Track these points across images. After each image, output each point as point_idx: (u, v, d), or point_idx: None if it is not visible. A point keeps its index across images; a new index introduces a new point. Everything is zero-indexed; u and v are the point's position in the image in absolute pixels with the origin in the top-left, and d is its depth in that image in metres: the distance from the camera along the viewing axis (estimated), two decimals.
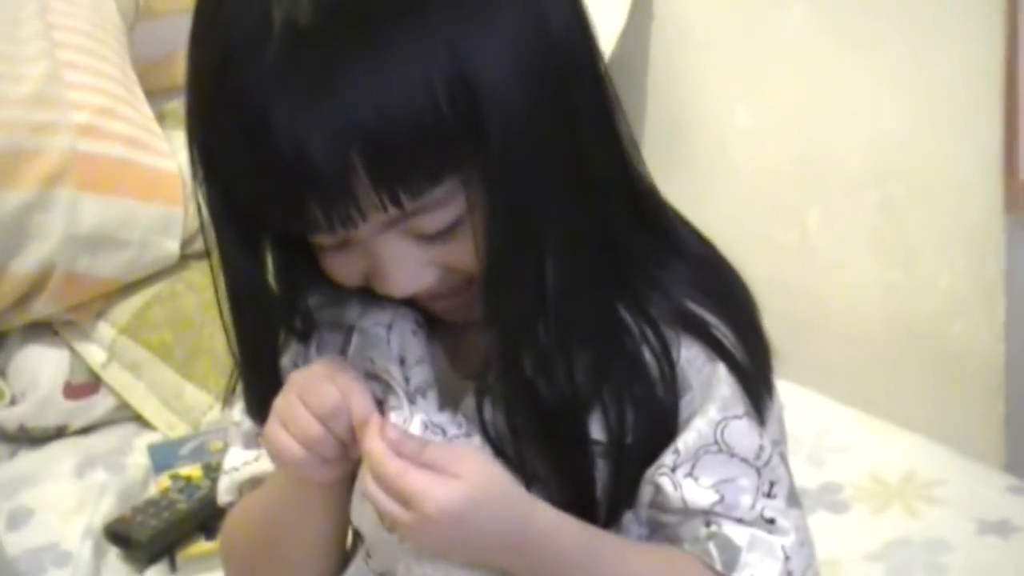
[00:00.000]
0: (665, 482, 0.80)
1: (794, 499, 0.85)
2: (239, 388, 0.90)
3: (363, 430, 0.77)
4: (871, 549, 1.27)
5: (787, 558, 0.81)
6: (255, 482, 0.92)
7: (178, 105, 1.90)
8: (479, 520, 0.76)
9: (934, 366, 1.62)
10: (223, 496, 0.94)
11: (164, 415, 1.63)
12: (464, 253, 0.77)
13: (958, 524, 1.30)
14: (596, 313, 0.79)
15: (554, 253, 0.76)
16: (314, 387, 0.79)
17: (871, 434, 1.46)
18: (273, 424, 0.81)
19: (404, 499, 0.75)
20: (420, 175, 0.72)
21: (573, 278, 0.77)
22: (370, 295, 0.82)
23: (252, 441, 0.92)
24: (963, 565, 1.23)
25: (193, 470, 1.46)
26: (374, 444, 0.76)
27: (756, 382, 0.82)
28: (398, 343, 0.83)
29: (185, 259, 1.71)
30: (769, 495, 0.82)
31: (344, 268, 0.80)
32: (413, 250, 0.76)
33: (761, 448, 0.82)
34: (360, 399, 0.79)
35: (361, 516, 0.81)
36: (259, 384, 0.86)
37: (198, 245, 1.70)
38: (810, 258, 1.76)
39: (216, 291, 0.86)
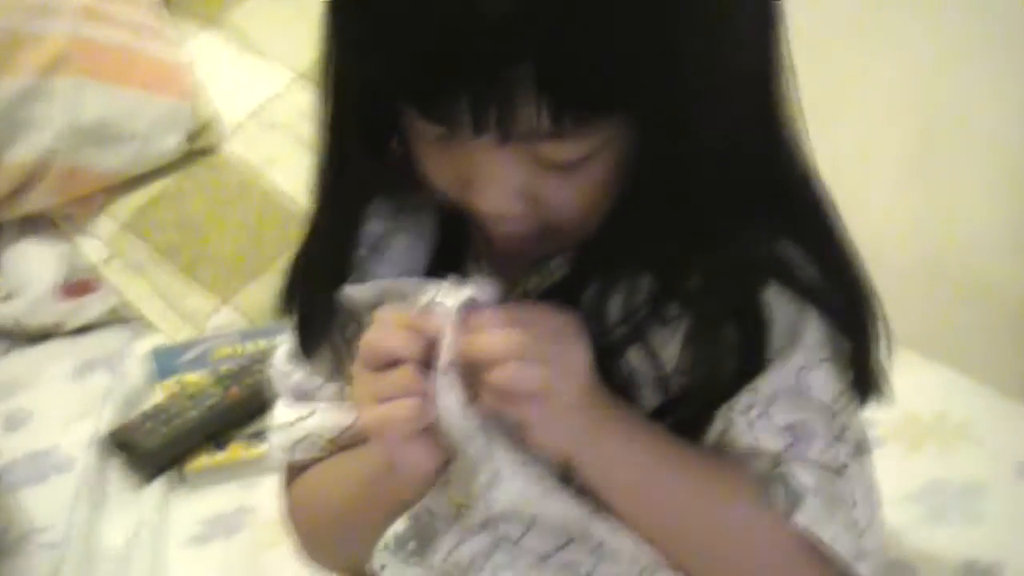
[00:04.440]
0: (740, 420, 0.76)
1: (864, 446, 0.81)
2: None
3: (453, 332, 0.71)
4: (909, 490, 1.23)
5: (854, 504, 0.78)
6: (312, 439, 0.87)
7: None
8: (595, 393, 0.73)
9: (965, 300, 1.57)
10: (278, 453, 0.89)
11: (168, 317, 1.57)
12: (571, 195, 0.71)
13: (995, 467, 1.26)
14: (721, 251, 0.73)
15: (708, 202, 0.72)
16: (383, 340, 0.73)
17: (902, 368, 1.42)
18: (364, 407, 0.74)
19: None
20: (589, 104, 0.66)
21: (712, 228, 0.72)
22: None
23: (304, 393, 0.88)
24: (1001, 510, 1.19)
25: (200, 376, 1.41)
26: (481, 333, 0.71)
27: (850, 329, 0.77)
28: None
29: (193, 155, 1.63)
30: (840, 439, 0.79)
31: (439, 168, 0.74)
32: (520, 174, 0.71)
33: (840, 394, 0.78)
34: (428, 316, 0.72)
35: (447, 406, 0.73)
36: (321, 307, 0.80)
37: (206, 141, 1.64)
38: (838, 187, 1.70)
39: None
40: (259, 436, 1.30)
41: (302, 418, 0.88)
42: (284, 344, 0.90)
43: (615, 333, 0.75)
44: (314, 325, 0.83)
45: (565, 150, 0.69)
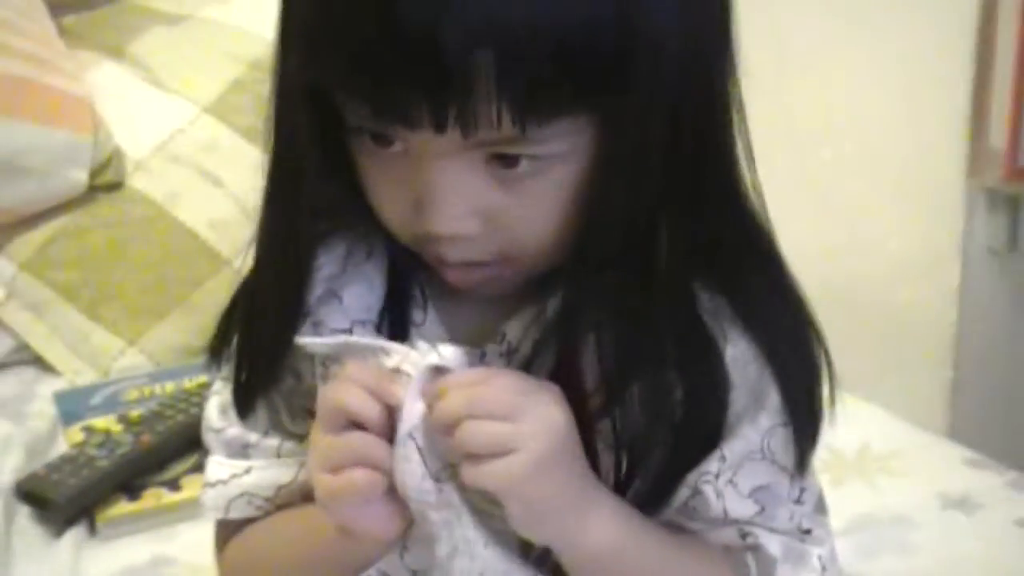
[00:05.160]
0: (708, 490, 0.75)
1: (822, 506, 0.81)
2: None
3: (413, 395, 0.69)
4: (836, 525, 1.22)
5: (823, 568, 0.78)
6: (247, 497, 0.83)
7: (77, 21, 1.77)
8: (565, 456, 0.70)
9: (877, 330, 1.59)
10: (211, 512, 0.85)
11: (69, 360, 1.51)
12: (526, 212, 0.69)
13: (920, 500, 1.27)
14: (677, 297, 0.71)
15: (668, 224, 0.69)
16: (345, 401, 0.70)
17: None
18: (321, 474, 0.71)
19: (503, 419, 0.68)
20: (551, 98, 0.64)
21: (676, 253, 0.70)
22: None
23: (237, 449, 0.84)
24: (931, 544, 1.20)
25: (108, 422, 1.35)
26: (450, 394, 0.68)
27: (801, 393, 0.76)
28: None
29: (94, 191, 1.58)
30: (798, 501, 0.78)
31: (391, 191, 0.71)
32: (475, 188, 0.68)
33: (799, 457, 0.77)
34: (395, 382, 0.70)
35: (405, 473, 0.70)
36: (268, 356, 0.77)
37: (108, 176, 1.58)
38: None
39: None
40: (173, 484, 1.26)
41: (236, 475, 0.84)
42: (215, 396, 0.86)
43: (594, 397, 0.72)
44: (258, 375, 0.79)
45: (525, 149, 0.66)
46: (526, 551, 0.75)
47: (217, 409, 0.85)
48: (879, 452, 1.34)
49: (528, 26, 0.62)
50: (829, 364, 0.78)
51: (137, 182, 1.61)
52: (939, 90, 1.46)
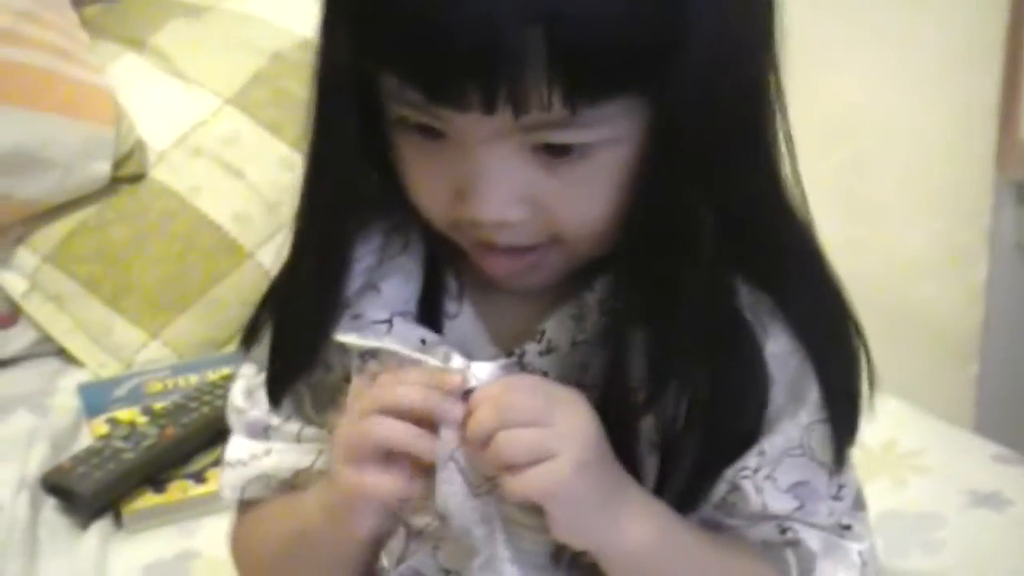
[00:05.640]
0: (747, 485, 0.74)
1: (860, 502, 0.81)
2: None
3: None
4: None
5: (864, 563, 0.77)
6: (265, 479, 0.83)
7: (99, 12, 1.76)
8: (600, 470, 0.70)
9: (902, 326, 1.58)
10: (228, 491, 0.85)
11: (93, 352, 1.51)
12: (574, 198, 0.68)
13: (948, 496, 1.26)
14: (718, 290, 0.71)
15: (708, 214, 0.68)
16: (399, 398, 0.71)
17: None
18: (347, 465, 0.72)
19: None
20: (602, 79, 0.63)
21: (716, 244, 0.69)
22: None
23: (259, 431, 0.84)
24: (960, 541, 1.19)
25: (133, 414, 1.35)
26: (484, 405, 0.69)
27: (841, 389, 0.76)
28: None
29: (116, 183, 1.57)
30: (837, 497, 0.77)
31: (432, 180, 0.70)
32: (522, 174, 0.67)
33: (839, 453, 0.77)
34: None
35: (448, 496, 0.71)
36: (303, 346, 0.76)
37: (130, 168, 1.58)
38: None
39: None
40: (198, 476, 1.25)
41: (256, 456, 0.84)
42: (241, 379, 0.86)
43: (636, 395, 0.72)
44: (292, 366, 0.79)
45: (574, 134, 0.66)
46: (557, 558, 0.75)
47: (242, 391, 0.85)
48: (906, 448, 1.33)
49: (581, 4, 0.61)
50: (869, 359, 0.77)
51: (159, 174, 1.60)
52: (967, 82, 1.44)
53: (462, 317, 0.78)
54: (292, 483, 0.83)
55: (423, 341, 0.75)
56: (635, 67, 0.64)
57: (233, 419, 0.86)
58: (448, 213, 0.71)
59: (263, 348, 0.81)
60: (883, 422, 1.36)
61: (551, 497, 0.68)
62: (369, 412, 0.71)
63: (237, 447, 0.84)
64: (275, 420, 0.83)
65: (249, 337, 0.83)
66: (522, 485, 0.67)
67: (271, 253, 1.59)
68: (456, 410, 0.69)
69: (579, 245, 0.71)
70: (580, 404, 0.70)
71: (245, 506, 0.86)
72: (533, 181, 0.67)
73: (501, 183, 0.67)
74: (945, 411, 1.48)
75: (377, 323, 0.76)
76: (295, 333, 0.78)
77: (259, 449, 0.83)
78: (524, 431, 0.67)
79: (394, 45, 0.64)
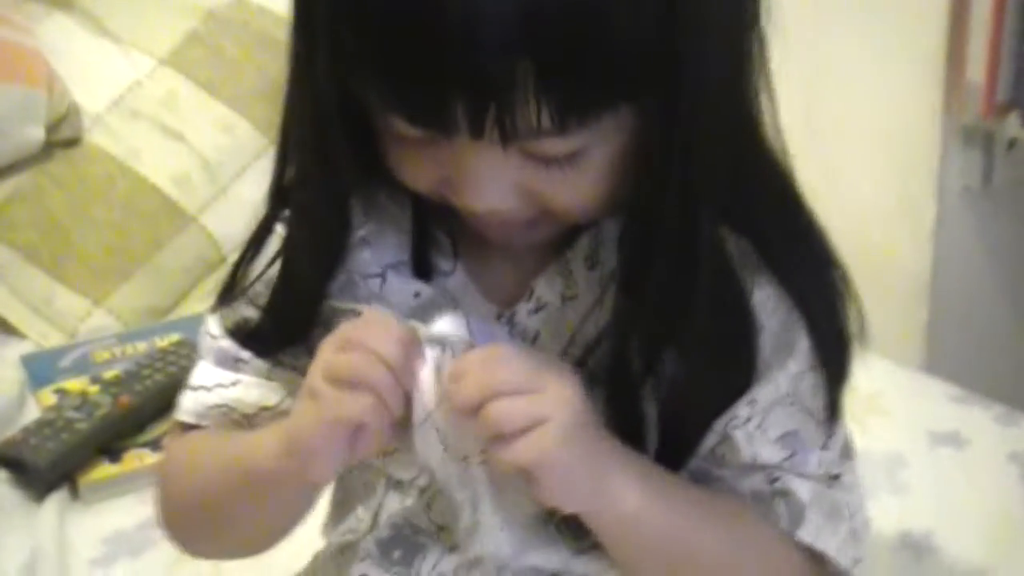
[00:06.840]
0: (738, 435, 0.73)
1: (848, 451, 0.80)
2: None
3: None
4: None
5: (851, 514, 0.77)
6: (226, 409, 0.80)
7: None
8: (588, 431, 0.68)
9: (853, 272, 1.58)
10: (184, 414, 0.82)
11: (34, 322, 1.46)
12: (569, 188, 0.67)
13: (909, 436, 1.27)
14: (710, 243, 0.70)
15: (702, 166, 0.67)
16: (367, 335, 0.68)
17: None
18: (322, 382, 0.69)
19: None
20: (590, 99, 0.61)
21: (703, 198, 0.68)
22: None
23: (228, 361, 0.81)
24: (924, 481, 1.20)
25: (82, 384, 1.32)
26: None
27: (830, 337, 0.75)
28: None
29: (51, 148, 1.53)
30: (825, 447, 0.77)
31: (419, 169, 0.68)
32: (515, 172, 0.66)
33: (832, 400, 0.76)
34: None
35: (428, 455, 0.70)
36: (298, 308, 0.74)
37: (65, 132, 1.53)
38: None
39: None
40: (155, 445, 1.23)
41: (222, 385, 0.81)
42: (219, 315, 0.83)
43: (635, 362, 0.71)
44: (291, 324, 0.77)
45: (565, 144, 0.64)
46: (546, 520, 0.74)
47: (217, 322, 0.82)
48: (865, 392, 1.34)
49: (566, 30, 0.59)
50: (858, 306, 0.77)
51: (95, 138, 1.56)
52: (913, 24, 1.44)
53: (456, 275, 0.76)
54: (253, 420, 0.81)
55: (417, 294, 0.73)
56: (624, 84, 0.62)
57: (204, 343, 0.83)
58: (435, 192, 0.70)
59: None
60: None
61: (541, 463, 0.67)
62: (357, 345, 0.69)
63: (203, 373, 0.82)
64: (246, 354, 0.81)
65: (224, 294, 0.80)
66: (514, 453, 0.66)
67: (214, 216, 1.56)
68: (435, 369, 0.68)
69: (573, 219, 0.71)
70: (565, 369, 0.69)
71: (190, 427, 0.83)
72: (524, 174, 0.66)
73: (491, 180, 0.66)
74: (897, 354, 1.49)
75: (370, 277, 0.74)
76: (297, 288, 0.76)
77: (226, 379, 0.81)
78: (514, 400, 0.66)
79: (377, 73, 0.62)
